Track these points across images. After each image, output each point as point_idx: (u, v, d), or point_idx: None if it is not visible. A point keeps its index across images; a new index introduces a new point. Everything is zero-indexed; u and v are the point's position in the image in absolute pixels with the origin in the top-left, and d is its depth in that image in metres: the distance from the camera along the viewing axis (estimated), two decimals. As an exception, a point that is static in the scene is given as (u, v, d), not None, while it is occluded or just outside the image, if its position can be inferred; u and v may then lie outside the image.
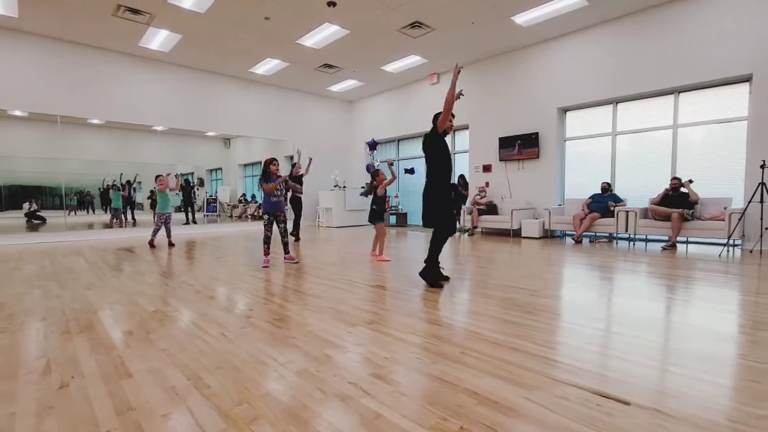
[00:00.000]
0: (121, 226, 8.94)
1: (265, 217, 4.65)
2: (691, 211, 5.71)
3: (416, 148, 10.63)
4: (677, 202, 5.82)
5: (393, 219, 10.70)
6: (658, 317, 2.60)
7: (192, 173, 10.59)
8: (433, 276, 3.51)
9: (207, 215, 10.89)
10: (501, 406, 1.47)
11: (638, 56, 6.48)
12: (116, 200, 8.94)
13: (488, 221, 7.97)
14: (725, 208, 5.57)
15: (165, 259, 5.27)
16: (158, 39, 7.47)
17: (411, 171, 10.70)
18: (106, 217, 9.05)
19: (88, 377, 1.78)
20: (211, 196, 11.06)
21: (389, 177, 5.25)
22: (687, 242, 6.19)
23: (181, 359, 1.97)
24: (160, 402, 1.55)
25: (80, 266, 4.76)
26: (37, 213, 8.22)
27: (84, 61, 7.72)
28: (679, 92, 6.30)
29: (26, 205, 8.16)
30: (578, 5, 6.22)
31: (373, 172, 5.46)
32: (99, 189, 9.11)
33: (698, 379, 1.67)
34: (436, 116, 3.61)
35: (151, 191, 9.72)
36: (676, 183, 5.91)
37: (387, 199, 10.66)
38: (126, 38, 7.43)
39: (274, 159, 4.67)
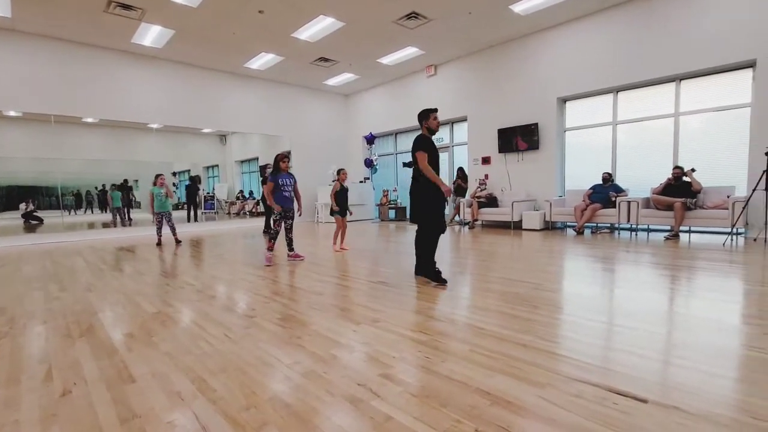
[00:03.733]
0: (123, 225, 8.91)
1: (279, 214, 4.54)
2: (693, 200, 5.68)
3: (415, 141, 10.54)
4: (680, 191, 5.79)
5: (392, 213, 10.66)
6: (665, 309, 2.58)
7: (188, 171, 10.50)
8: (431, 271, 3.40)
9: (205, 212, 10.83)
10: (515, 407, 1.44)
11: (639, 44, 6.40)
12: (116, 200, 8.91)
13: (489, 214, 7.93)
14: (728, 197, 5.54)
15: (165, 259, 5.22)
16: (151, 35, 7.34)
17: (410, 164, 10.67)
18: (105, 217, 9.00)
19: (90, 383, 1.75)
20: (208, 193, 10.99)
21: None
22: (689, 231, 6.18)
23: (185, 362, 1.93)
24: (165, 408, 1.52)
25: (80, 267, 4.71)
26: (34, 213, 8.16)
27: (77, 60, 7.60)
28: (681, 80, 6.24)
29: (23, 206, 8.09)
30: (578, -7, 6.13)
31: (336, 170, 5.47)
32: (96, 188, 9.03)
33: (712, 374, 1.65)
34: (421, 115, 3.46)
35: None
36: (679, 172, 5.87)
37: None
38: (118, 35, 7.31)
39: (286, 155, 4.60)
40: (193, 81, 9.13)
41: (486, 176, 8.52)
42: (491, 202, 8.04)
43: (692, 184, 5.72)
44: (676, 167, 5.94)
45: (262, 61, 8.87)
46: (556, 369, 1.73)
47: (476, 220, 8.02)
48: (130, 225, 9.12)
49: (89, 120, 8.06)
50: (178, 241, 6.61)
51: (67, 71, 7.51)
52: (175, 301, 3.11)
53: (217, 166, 11.05)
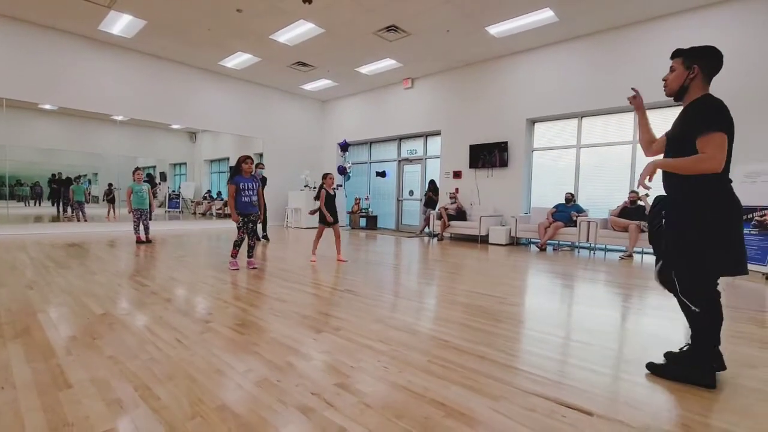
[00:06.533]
0: (85, 220, 8.44)
1: (240, 218, 4.38)
2: (647, 223, 6.00)
3: (388, 151, 10.64)
4: (635, 214, 6.11)
5: (363, 221, 10.63)
6: (617, 325, 2.69)
7: (154, 167, 10.09)
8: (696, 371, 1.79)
9: (168, 211, 10.40)
10: (468, 418, 1.45)
11: (604, 73, 6.77)
12: (78, 193, 8.44)
13: (457, 227, 8.06)
14: (677, 222, 5.89)
15: (122, 257, 4.95)
16: (120, 23, 7.05)
17: (383, 174, 10.74)
18: (53, 210, 8.46)
19: (20, 388, 1.61)
20: (173, 191, 10.58)
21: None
22: (642, 253, 6.51)
23: (130, 368, 1.82)
24: (101, 417, 1.42)
25: (22, 262, 4.38)
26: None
27: (35, 42, 7.17)
28: (639, 110, 6.63)
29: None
30: (549, 21, 6.42)
31: (323, 175, 5.44)
32: (48, 180, 8.49)
33: (650, 387, 1.72)
34: (701, 52, 1.85)
35: (109, 184, 9.18)
36: (634, 196, 6.21)
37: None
38: (84, 20, 6.97)
39: (248, 157, 4.41)
40: (163, 74, 8.82)
41: (456, 190, 8.68)
42: (460, 215, 8.19)
43: (646, 209, 6.05)
44: (632, 192, 6.29)
45: (238, 60, 8.71)
46: (511, 382, 1.76)
47: (445, 231, 8.13)
48: (80, 219, 8.59)
49: (47, 107, 7.60)
50: (149, 241, 6.44)
51: (23, 53, 7.07)
52: (126, 302, 2.94)
53: (185, 164, 10.67)
